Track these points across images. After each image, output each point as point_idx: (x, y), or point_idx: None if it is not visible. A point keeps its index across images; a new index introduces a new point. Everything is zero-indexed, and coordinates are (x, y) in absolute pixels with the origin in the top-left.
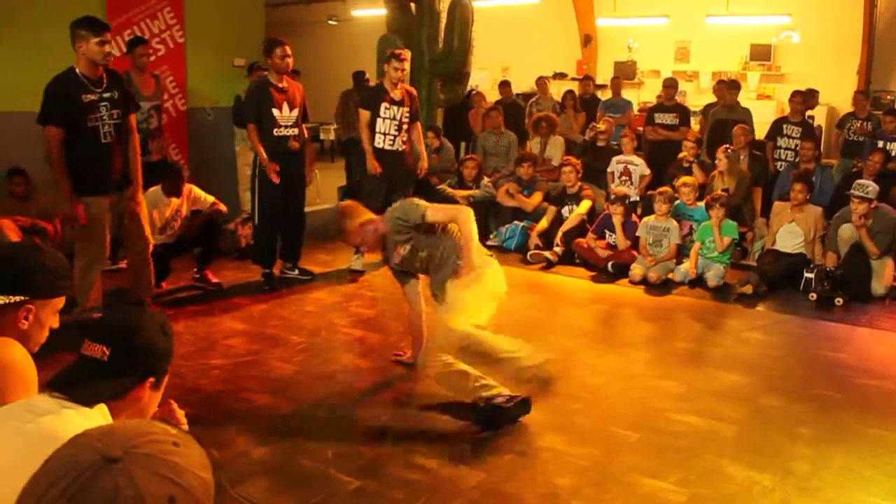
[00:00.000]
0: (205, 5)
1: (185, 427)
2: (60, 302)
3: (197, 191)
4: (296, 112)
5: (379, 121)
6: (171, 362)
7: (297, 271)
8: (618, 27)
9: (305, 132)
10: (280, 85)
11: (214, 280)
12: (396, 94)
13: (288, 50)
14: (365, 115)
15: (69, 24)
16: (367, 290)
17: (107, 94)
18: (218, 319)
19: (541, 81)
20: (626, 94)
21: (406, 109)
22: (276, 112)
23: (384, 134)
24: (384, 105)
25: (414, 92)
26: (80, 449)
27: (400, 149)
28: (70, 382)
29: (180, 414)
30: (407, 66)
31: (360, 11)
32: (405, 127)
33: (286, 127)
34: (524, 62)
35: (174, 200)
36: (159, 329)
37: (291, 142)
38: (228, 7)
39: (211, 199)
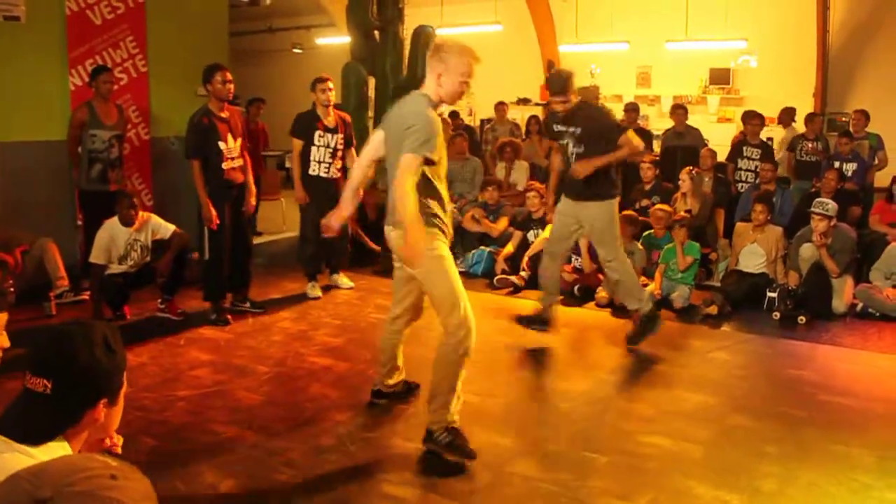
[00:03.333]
0: (168, 34)
1: (118, 448)
2: (3, 318)
3: (157, 219)
4: (239, 141)
5: (313, 149)
6: (122, 374)
7: (248, 304)
8: (580, 53)
9: (248, 160)
10: (221, 115)
11: (179, 309)
12: (329, 122)
13: (228, 75)
14: (298, 144)
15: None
16: (333, 319)
17: None
18: (183, 350)
19: (499, 107)
20: None
21: (340, 136)
22: (221, 145)
23: (319, 162)
24: (318, 133)
25: (348, 118)
26: (9, 491)
27: (335, 176)
28: (15, 422)
29: (117, 440)
30: (332, 85)
31: (325, 40)
32: (339, 154)
33: (232, 159)
34: (488, 88)
35: (130, 230)
36: (102, 346)
37: (237, 173)
38: (192, 36)
39: (171, 227)
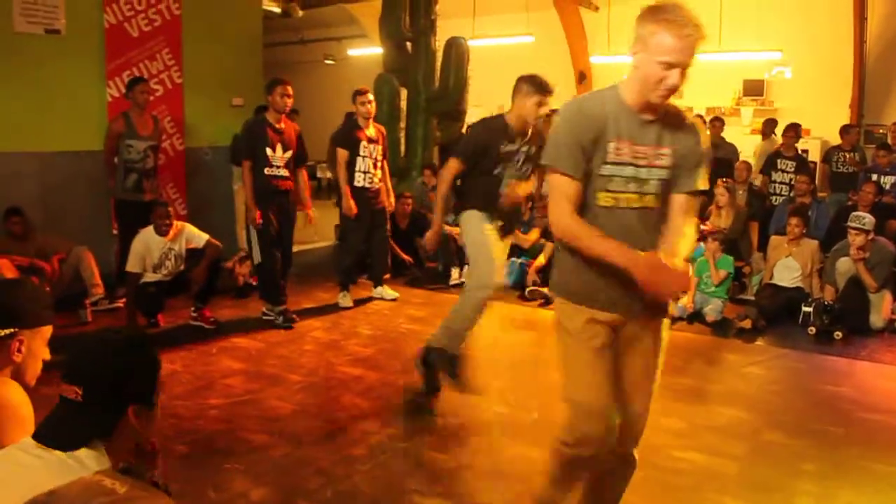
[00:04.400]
0: (203, 46)
1: (158, 470)
2: (48, 331)
3: (191, 229)
4: (289, 153)
5: (358, 160)
6: (155, 380)
7: (281, 318)
8: (612, 64)
9: (302, 174)
10: (277, 126)
11: (211, 318)
12: (371, 133)
13: (289, 90)
14: (343, 154)
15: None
16: (365, 328)
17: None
18: (216, 358)
19: (547, 119)
20: None
21: (380, 147)
22: (269, 151)
23: (364, 172)
24: (363, 144)
25: (384, 130)
26: None
27: (378, 186)
28: (50, 429)
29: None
30: (372, 97)
31: (357, 51)
32: (379, 164)
33: (277, 167)
34: None
35: (164, 239)
36: (132, 352)
37: (282, 182)
38: (226, 47)
39: (205, 236)
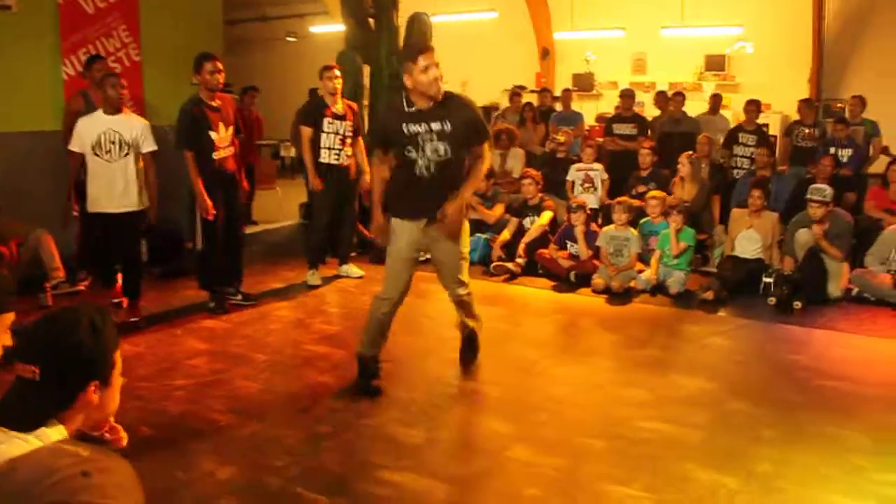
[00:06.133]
0: (161, 23)
1: (124, 442)
2: (10, 318)
3: (148, 127)
4: (231, 130)
5: (322, 136)
6: (112, 355)
7: (239, 296)
8: (575, 40)
9: (238, 147)
10: (213, 103)
11: (137, 318)
12: (338, 108)
13: (219, 65)
14: (307, 131)
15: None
16: (330, 307)
17: None
18: (181, 339)
19: (514, 98)
20: (586, 105)
21: (349, 123)
22: (213, 134)
23: (329, 149)
24: (327, 120)
25: (355, 107)
26: None
27: (345, 163)
28: (9, 410)
29: (122, 437)
30: (339, 73)
31: (319, 28)
32: (349, 141)
33: (224, 148)
34: (483, 76)
35: (110, 118)
36: (88, 329)
37: (229, 162)
38: (185, 25)
39: (154, 146)
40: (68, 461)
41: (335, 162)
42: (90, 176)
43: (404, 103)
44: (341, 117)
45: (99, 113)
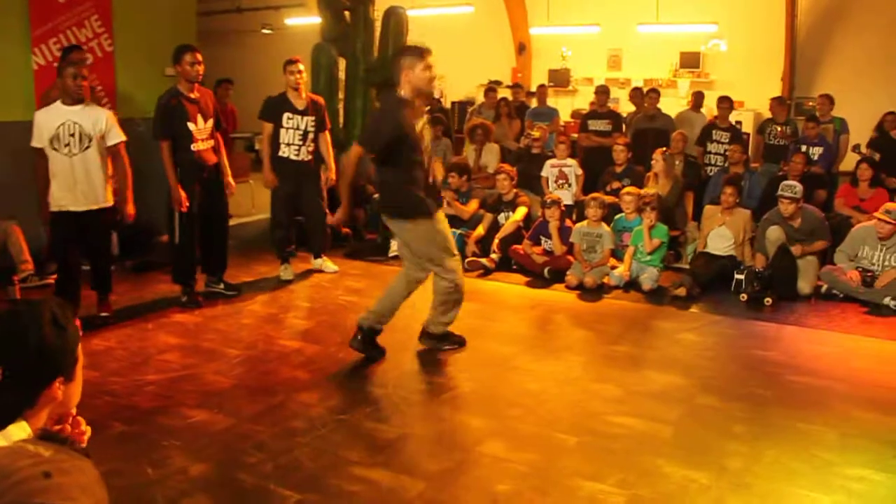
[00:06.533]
0: (134, 13)
1: (86, 436)
2: None
3: (114, 119)
4: (210, 122)
5: (282, 131)
6: (76, 349)
7: (222, 285)
8: (551, 35)
9: (220, 140)
10: (191, 95)
11: (108, 313)
12: (300, 104)
13: (199, 56)
14: (267, 127)
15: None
16: (303, 301)
17: None
18: (152, 334)
19: (489, 93)
20: (561, 101)
21: (311, 119)
22: (191, 126)
23: (288, 144)
24: (286, 115)
25: (321, 101)
26: None
27: (305, 159)
28: None
29: (85, 430)
30: (302, 67)
31: (294, 20)
32: (310, 136)
33: (202, 140)
34: (459, 71)
35: (69, 108)
36: (50, 324)
37: (208, 154)
38: (159, 15)
39: (122, 136)
40: (29, 461)
41: (294, 157)
42: (50, 173)
43: (404, 103)
44: (303, 112)
45: (58, 104)
